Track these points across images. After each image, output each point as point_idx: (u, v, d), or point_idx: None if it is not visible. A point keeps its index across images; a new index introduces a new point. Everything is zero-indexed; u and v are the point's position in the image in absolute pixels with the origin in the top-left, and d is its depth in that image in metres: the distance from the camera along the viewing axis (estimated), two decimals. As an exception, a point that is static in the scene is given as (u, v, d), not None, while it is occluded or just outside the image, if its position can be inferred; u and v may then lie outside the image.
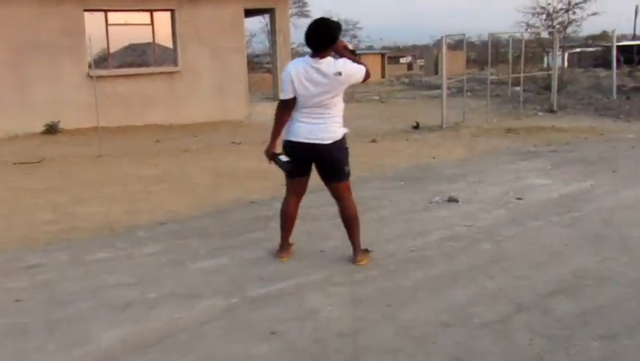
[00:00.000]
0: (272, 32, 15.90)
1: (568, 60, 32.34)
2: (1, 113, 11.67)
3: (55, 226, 5.51)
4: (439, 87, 13.68)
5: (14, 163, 8.49)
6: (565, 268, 4.10)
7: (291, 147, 4.17)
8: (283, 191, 4.47)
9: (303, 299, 3.67)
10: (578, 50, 36.41)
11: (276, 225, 4.67)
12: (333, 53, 4.05)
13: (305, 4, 48.84)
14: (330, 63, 3.98)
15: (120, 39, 13.03)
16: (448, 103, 12.73)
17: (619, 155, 8.46)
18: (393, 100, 20.81)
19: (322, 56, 3.98)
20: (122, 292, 3.84)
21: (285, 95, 4.10)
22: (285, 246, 4.44)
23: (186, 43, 13.40)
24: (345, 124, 4.27)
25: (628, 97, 16.50)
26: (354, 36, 52.98)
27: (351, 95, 22.46)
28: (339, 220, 4.41)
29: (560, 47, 18.93)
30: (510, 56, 16.10)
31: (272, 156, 4.26)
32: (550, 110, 14.68)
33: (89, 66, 11.42)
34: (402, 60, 53.39)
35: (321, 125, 4.08)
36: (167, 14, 13.28)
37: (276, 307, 3.55)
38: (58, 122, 11.63)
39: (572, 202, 5.84)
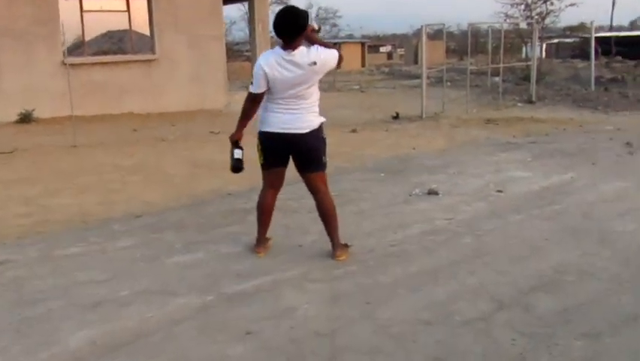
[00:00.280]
0: (251, 20, 15.67)
1: (546, 51, 32.56)
2: (-27, 101, 11.36)
3: (27, 219, 5.34)
4: (418, 77, 13.65)
5: (-16, 153, 8.25)
6: (546, 263, 4.06)
7: (266, 137, 4.06)
8: (261, 183, 4.36)
9: (279, 297, 3.57)
10: (556, 40, 36.64)
11: (253, 218, 4.55)
12: (304, 41, 3.93)
13: (284, -8, 48.47)
14: (303, 53, 3.87)
15: (96, 26, 12.73)
16: (427, 93, 12.67)
17: (598, 147, 8.47)
18: (373, 89, 20.75)
19: (294, 47, 3.86)
20: (93, 289, 3.71)
21: (256, 88, 3.98)
22: (261, 240, 4.34)
23: (163, 30, 13.14)
24: (324, 114, 4.18)
25: (606, 88, 16.62)
26: (334, 25, 52.81)
27: (332, 85, 22.35)
28: (317, 214, 4.31)
29: (539, 37, 18.98)
30: (489, 47, 16.13)
31: (234, 144, 4.16)
32: (529, 101, 14.72)
33: (64, 54, 11.11)
34: (382, 49, 53.35)
35: (297, 115, 3.98)
36: (144, 1, 12.99)
37: (251, 306, 3.45)
38: (33, 110, 11.32)
39: (552, 195, 5.81)
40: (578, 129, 10.45)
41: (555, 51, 36.44)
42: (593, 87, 16.63)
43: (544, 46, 28.44)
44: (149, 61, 13.12)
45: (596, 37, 18.82)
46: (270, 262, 4.13)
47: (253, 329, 3.17)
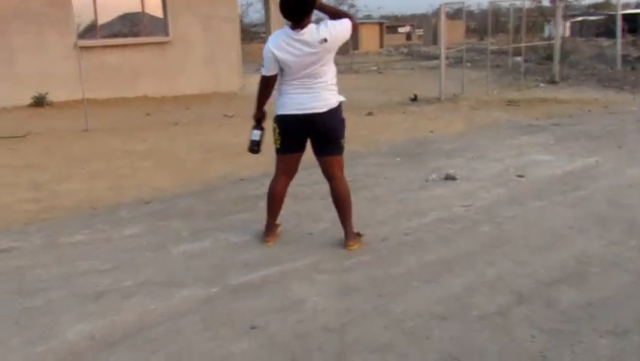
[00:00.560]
0: (266, 1, 15.42)
1: (570, 29, 31.78)
2: (-14, 86, 11.32)
3: (35, 204, 5.25)
4: (437, 57, 13.30)
5: (-4, 138, 8.20)
6: (569, 253, 3.85)
7: (282, 120, 3.89)
8: (274, 168, 4.19)
9: (287, 288, 3.42)
10: (580, 18, 35.77)
11: (264, 205, 4.39)
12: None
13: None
14: (312, 31, 3.68)
15: (109, 8, 12.56)
16: (446, 74, 12.37)
17: (625, 129, 8.16)
18: (391, 71, 20.43)
19: (303, 26, 3.67)
20: (96, 279, 3.59)
21: (267, 71, 3.83)
22: (271, 229, 4.18)
23: (177, 12, 12.95)
24: (341, 93, 3.98)
25: (633, 67, 16.12)
26: (352, 5, 52.16)
27: (349, 66, 22.06)
28: (330, 200, 4.13)
29: (562, 15, 18.44)
30: (511, 26, 15.70)
31: (256, 121, 4.05)
32: (552, 81, 14.32)
33: (77, 37, 11.01)
34: (400, 30, 52.60)
35: (313, 94, 3.80)
36: (157, -18, 12.84)
37: (258, 298, 3.31)
38: (46, 94, 11.26)
39: (576, 180, 5.57)
40: (604, 110, 10.10)
41: (579, 29, 35.57)
42: (619, 66, 16.15)
43: (567, 24, 27.74)
44: (163, 43, 12.97)
45: (622, 15, 18.24)
46: (279, 252, 3.98)
47: (258, 323, 3.02)
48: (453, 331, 2.93)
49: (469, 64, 20.05)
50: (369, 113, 10.14)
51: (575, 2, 22.70)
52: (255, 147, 4.07)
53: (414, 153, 6.88)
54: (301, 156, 4.06)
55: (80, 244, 4.19)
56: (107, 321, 3.08)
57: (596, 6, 37.88)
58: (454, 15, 26.26)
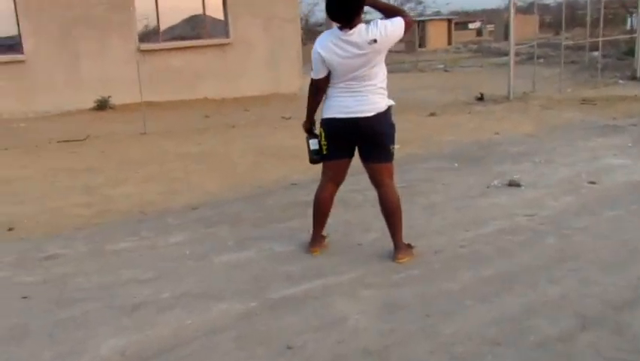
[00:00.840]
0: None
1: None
2: (53, 89, 11.68)
3: (88, 209, 5.28)
4: (507, 54, 12.71)
5: (58, 141, 8.39)
6: (645, 272, 3.45)
7: (328, 124, 3.70)
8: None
9: (329, 305, 3.21)
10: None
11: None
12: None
13: (368, -29, 47.63)
14: (362, 32, 3.46)
15: (170, 12, 12.72)
16: (516, 71, 11.81)
17: None
18: (458, 69, 19.83)
19: (352, 26, 3.46)
20: (136, 290, 3.50)
21: (316, 74, 3.65)
22: (317, 239, 3.98)
23: (238, 14, 12.97)
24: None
25: None
26: (419, 2, 51.35)
27: (415, 65, 21.61)
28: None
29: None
30: (588, 18, 14.83)
31: (307, 132, 3.88)
32: (633, 78, 13.41)
33: (139, 40, 11.20)
34: (470, 26, 51.37)
35: (361, 97, 3.59)
36: (218, -16, 12.90)
37: (297, 314, 3.11)
38: (109, 97, 11.53)
39: (655, 187, 5.08)
40: (689, 109, 9.33)
41: (663, 22, 33.49)
42: None
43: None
44: (223, 45, 13.02)
45: None
46: (324, 263, 3.77)
47: (295, 343, 2.83)
48: (507, 358, 2.64)
49: (541, 60, 19.19)
50: (432, 114, 9.78)
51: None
52: (315, 156, 3.85)
53: (476, 157, 6.51)
54: (349, 162, 3.85)
55: (124, 252, 4.13)
56: (140, 336, 2.97)
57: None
58: (528, 9, 25.26)
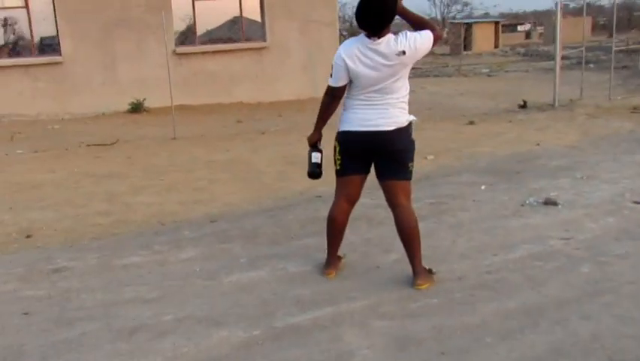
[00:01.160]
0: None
1: None
2: (89, 91, 11.82)
3: (106, 218, 5.20)
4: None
5: (88, 145, 8.40)
6: (691, 310, 3.10)
7: (345, 138, 3.49)
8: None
9: (337, 337, 2.98)
10: None
11: None
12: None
13: (414, -28, 47.16)
14: (390, 42, 3.26)
15: (207, 15, 12.69)
16: (564, 77, 11.32)
17: None
18: (502, 74, 19.25)
19: (380, 35, 3.25)
20: (137, 310, 3.35)
21: (335, 81, 3.42)
22: (332, 260, 3.76)
23: (275, 17, 12.85)
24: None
25: None
26: (466, 4, 50.52)
27: (458, 69, 21.12)
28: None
29: None
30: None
31: (311, 146, 3.66)
32: (689, 85, 12.72)
33: (175, 43, 11.19)
34: (520, 28, 50.18)
35: (382, 110, 3.38)
36: (256, -13, 12.81)
37: (301, 347, 2.89)
38: (144, 100, 11.56)
39: None
40: None
41: None
42: None
43: None
44: (260, 49, 12.91)
45: None
46: (337, 287, 3.55)
47: (295, 381, 2.61)
48: (527, 411, 2.36)
49: (591, 65, 18.48)
50: (471, 122, 9.42)
51: None
52: (317, 169, 3.65)
53: (513, 171, 6.16)
54: (364, 179, 3.63)
55: (132, 267, 4.00)
56: (133, 364, 2.81)
57: None
58: (580, 10, 24.39)
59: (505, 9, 58.09)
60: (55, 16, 11.53)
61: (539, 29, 48.37)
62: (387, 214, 4.67)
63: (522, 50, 31.30)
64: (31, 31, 11.82)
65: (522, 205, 4.95)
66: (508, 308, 3.21)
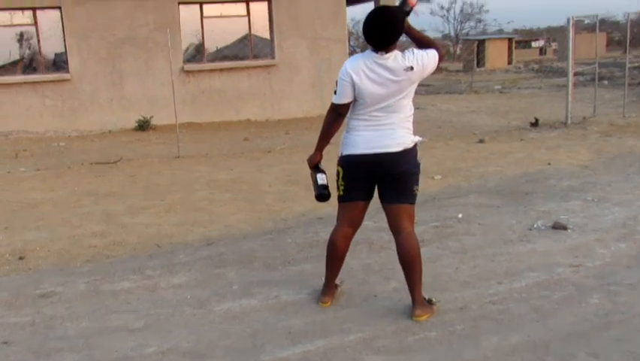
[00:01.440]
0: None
1: None
2: (97, 108, 11.81)
3: (102, 239, 5.08)
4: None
5: (91, 163, 8.32)
6: None
7: (348, 162, 3.33)
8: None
9: (326, 374, 2.81)
10: None
11: None
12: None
13: (427, -11, 47.14)
14: (397, 57, 3.15)
15: (216, 32, 12.65)
16: (577, 94, 11.14)
17: None
18: (515, 90, 19.04)
19: (388, 50, 3.14)
20: (120, 341, 3.20)
21: (340, 98, 3.25)
22: (329, 288, 3.59)
23: (284, 35, 12.79)
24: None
25: None
26: (479, 20, 50.44)
27: (469, 85, 20.94)
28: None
29: None
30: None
31: (314, 168, 3.51)
32: None
33: (184, 61, 11.15)
34: (534, 44, 49.93)
35: (387, 131, 3.24)
36: (264, 4, 12.73)
37: (287, 385, 2.73)
38: (151, 117, 11.51)
39: None
40: None
41: None
42: None
43: None
44: (269, 66, 12.85)
45: None
46: (331, 318, 3.38)
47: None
48: None
49: (605, 81, 18.25)
50: (481, 141, 9.23)
51: None
52: (324, 191, 3.47)
53: (522, 192, 5.97)
54: (368, 204, 3.47)
55: (122, 293, 3.85)
56: (109, 401, 2.66)
57: None
58: (595, 27, 24.15)
59: (518, 25, 57.89)
60: (64, 34, 11.55)
61: (553, 45, 48.14)
62: (390, 238, 4.51)
63: (535, 67, 31.07)
64: (39, 48, 11.86)
65: (530, 229, 4.76)
66: (511, 342, 3.03)
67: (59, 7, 11.45)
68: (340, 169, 3.38)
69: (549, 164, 7.34)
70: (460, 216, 5.17)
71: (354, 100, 3.25)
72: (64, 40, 11.56)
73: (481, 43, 34.67)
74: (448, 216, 5.21)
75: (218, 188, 6.72)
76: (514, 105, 14.53)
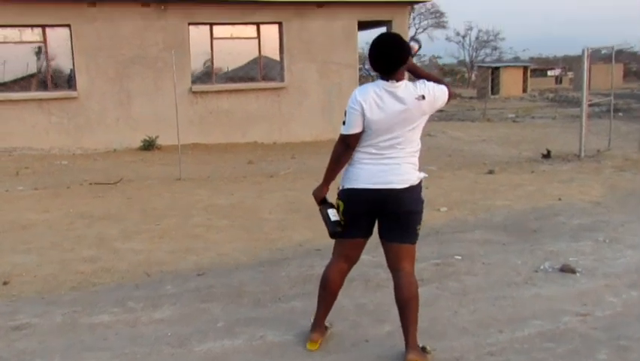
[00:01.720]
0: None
1: None
2: (103, 127, 11.76)
3: (91, 265, 4.91)
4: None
5: (90, 183, 8.19)
6: None
7: (350, 197, 3.15)
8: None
9: None
10: None
11: None
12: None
13: (442, 15, 47.27)
14: (408, 87, 3.03)
15: (226, 53, 12.59)
16: (592, 126, 10.86)
17: None
18: (529, 120, 18.79)
19: (398, 79, 3.02)
20: (91, 383, 3.00)
21: (349, 128, 3.08)
22: (318, 325, 3.39)
23: (294, 58, 12.72)
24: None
25: None
26: (495, 48, 50.38)
27: (483, 113, 20.74)
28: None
29: None
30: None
31: (321, 202, 3.29)
32: None
33: (192, 82, 11.07)
34: (550, 73, 49.69)
35: (392, 166, 3.06)
36: (275, 27, 12.68)
37: None
38: (156, 137, 11.41)
39: None
40: None
41: None
42: None
43: None
44: (278, 89, 12.75)
45: None
46: (317, 365, 3.15)
47: None
48: None
49: (621, 113, 17.97)
50: (490, 172, 9.00)
51: None
52: (338, 228, 3.23)
53: (529, 229, 5.72)
54: (367, 241, 3.30)
55: (99, 327, 3.65)
56: None
57: None
58: (615, 57, 23.90)
59: (534, 53, 57.78)
60: (73, 52, 11.54)
61: (570, 74, 47.91)
62: (387, 276, 4.27)
63: (551, 95, 30.82)
64: (47, 65, 11.85)
65: (536, 271, 4.51)
66: (509, 402, 2.78)
67: (69, 25, 11.46)
68: (340, 203, 3.20)
69: (560, 199, 7.08)
70: (459, 258, 4.91)
71: (362, 131, 3.08)
72: (73, 58, 11.55)
73: (495, 70, 34.50)
74: (451, 253, 4.97)
75: (217, 213, 6.54)
76: (526, 135, 14.29)
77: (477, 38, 53.31)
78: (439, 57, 54.89)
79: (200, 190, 7.76)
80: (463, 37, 53.60)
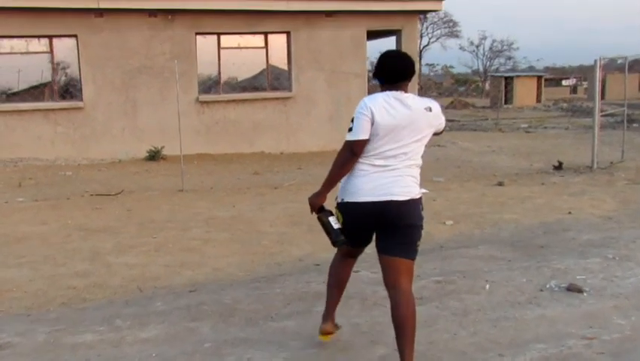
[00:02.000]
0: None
1: None
2: (109, 137, 11.72)
3: (83, 280, 4.81)
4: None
5: (91, 195, 8.10)
6: None
7: (350, 210, 3.06)
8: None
9: None
10: None
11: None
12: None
13: (455, 24, 47.15)
14: (416, 98, 3.04)
15: (233, 63, 12.52)
16: (605, 137, 10.64)
17: None
18: (541, 130, 18.52)
19: (406, 90, 3.03)
20: (66, 408, 2.86)
21: (356, 134, 2.97)
22: (329, 316, 3.40)
23: (302, 67, 12.62)
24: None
25: None
26: (509, 57, 50.13)
27: (495, 123, 20.50)
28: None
29: None
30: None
31: (319, 210, 3.15)
32: None
33: (199, 91, 11.00)
34: (564, 82, 49.30)
35: (394, 178, 2.98)
36: (283, 37, 12.60)
37: None
38: (162, 148, 11.33)
39: None
40: None
41: None
42: None
43: None
44: (286, 98, 12.65)
45: None
46: (304, 391, 2.99)
47: None
48: None
49: (635, 124, 17.67)
50: (500, 183, 8.80)
51: None
52: (341, 236, 3.11)
53: (536, 245, 5.52)
54: (366, 247, 3.29)
55: (82, 347, 3.52)
56: None
57: None
58: (631, 67, 23.55)
59: (549, 63, 57.40)
60: (79, 62, 11.52)
61: (584, 84, 47.48)
62: (385, 294, 4.13)
63: (564, 105, 30.47)
64: (54, 75, 11.85)
65: (541, 290, 4.31)
66: None
67: (75, 36, 11.45)
68: (340, 215, 3.11)
69: (570, 213, 6.87)
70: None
71: (368, 139, 2.99)
72: (79, 68, 11.54)
73: (509, 80, 34.20)
74: (453, 270, 4.80)
75: (216, 226, 6.41)
76: (538, 146, 14.04)
77: (491, 48, 53.08)
78: (452, 67, 54.69)
79: (201, 202, 7.64)
80: (477, 46, 53.40)
